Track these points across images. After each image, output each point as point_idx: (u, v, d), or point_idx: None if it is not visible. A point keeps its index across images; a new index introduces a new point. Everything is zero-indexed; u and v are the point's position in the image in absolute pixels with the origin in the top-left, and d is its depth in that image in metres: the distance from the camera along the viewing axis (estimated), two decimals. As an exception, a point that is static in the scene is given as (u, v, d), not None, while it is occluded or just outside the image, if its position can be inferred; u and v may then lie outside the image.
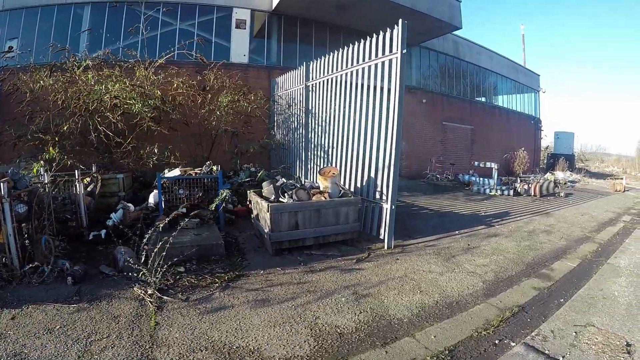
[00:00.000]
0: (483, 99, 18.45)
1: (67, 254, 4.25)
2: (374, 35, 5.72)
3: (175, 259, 3.81)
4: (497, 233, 6.70)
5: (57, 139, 6.67)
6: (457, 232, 6.67)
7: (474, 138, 17.30)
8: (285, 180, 6.31)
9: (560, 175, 17.58)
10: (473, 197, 11.18)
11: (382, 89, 5.77)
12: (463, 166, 16.26)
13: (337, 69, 6.78)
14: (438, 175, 14.35)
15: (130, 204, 5.88)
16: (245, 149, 8.72)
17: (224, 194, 5.84)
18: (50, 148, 6.43)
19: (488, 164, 12.83)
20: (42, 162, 5.81)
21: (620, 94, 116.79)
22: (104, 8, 10.66)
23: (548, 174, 17.26)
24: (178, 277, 3.86)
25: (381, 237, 5.64)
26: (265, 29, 12.10)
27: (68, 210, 5.13)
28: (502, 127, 19.04)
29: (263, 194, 5.54)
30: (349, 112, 6.46)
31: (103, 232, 4.66)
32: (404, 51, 5.18)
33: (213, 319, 3.06)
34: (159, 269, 3.48)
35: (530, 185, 12.27)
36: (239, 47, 11.76)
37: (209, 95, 8.38)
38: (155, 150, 7.14)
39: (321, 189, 5.69)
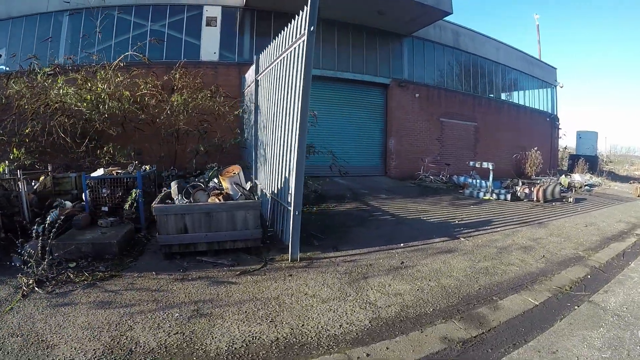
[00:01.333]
0: (491, 94, 16.48)
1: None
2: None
3: (72, 255, 4.22)
4: (454, 248, 5.16)
5: (24, 140, 7.12)
6: (402, 244, 5.21)
7: (477, 136, 15.35)
8: (198, 181, 5.95)
9: (577, 177, 15.48)
10: (461, 201, 9.51)
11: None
12: (465, 167, 14.49)
13: (271, 60, 5.94)
14: (431, 177, 12.71)
15: (67, 202, 6.04)
16: (197, 149, 8.33)
17: (134, 194, 5.57)
18: (14, 149, 6.73)
19: (485, 165, 11.10)
20: (6, 162, 6.18)
21: None
22: (81, 15, 10.80)
23: (562, 176, 15.19)
24: (62, 271, 3.89)
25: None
26: (236, 25, 11.41)
27: (15, 206, 5.44)
28: (511, 124, 16.90)
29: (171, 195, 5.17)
30: (274, 107, 5.77)
31: (41, 226, 4.40)
32: (312, 28, 4.16)
33: (50, 312, 3.06)
34: (43, 262, 3.67)
35: (532, 188, 10.45)
36: (210, 45, 11.18)
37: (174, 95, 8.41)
38: (111, 151, 7.29)
39: (223, 190, 5.02)
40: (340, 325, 2.85)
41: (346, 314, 3.04)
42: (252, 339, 2.67)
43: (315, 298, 3.36)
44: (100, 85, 7.44)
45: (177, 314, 3.02)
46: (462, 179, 12.13)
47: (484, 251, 5.09)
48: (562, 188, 13.24)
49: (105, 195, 5.93)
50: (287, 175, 4.85)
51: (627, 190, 14.11)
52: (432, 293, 3.55)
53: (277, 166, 5.32)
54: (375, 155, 13.11)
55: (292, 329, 2.80)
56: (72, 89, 7.18)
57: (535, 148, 15.89)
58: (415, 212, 7.72)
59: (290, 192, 4.59)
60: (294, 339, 2.67)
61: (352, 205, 8.06)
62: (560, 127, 20.40)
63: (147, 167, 6.79)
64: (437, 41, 14.30)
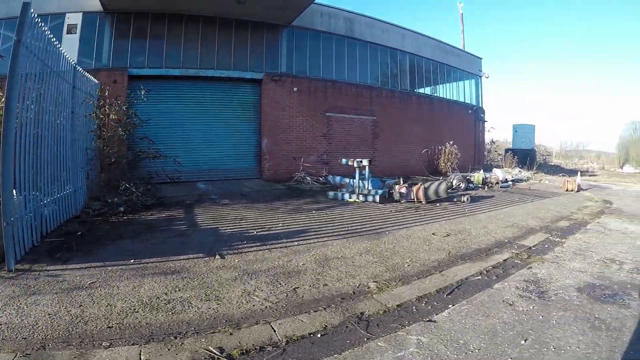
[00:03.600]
0: (395, 86, 15.10)
1: None
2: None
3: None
4: (187, 269, 3.82)
5: None
6: (132, 260, 3.98)
7: (376, 131, 13.90)
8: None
9: (498, 173, 14.36)
10: (316, 205, 8.03)
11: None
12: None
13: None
14: (308, 178, 11.27)
15: None
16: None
17: None
18: None
19: (362, 162, 9.55)
20: None
21: (605, 88, 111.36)
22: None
23: (480, 172, 14.00)
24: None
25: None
26: (96, 31, 10.57)
27: None
28: (423, 117, 15.60)
29: None
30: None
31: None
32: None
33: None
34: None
35: (413, 188, 9.02)
36: (68, 53, 9.86)
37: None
38: None
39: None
40: None
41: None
42: None
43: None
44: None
45: None
46: (338, 179, 10.66)
47: (224, 275, 3.65)
48: (469, 185, 12.02)
49: None
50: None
51: (557, 185, 13.39)
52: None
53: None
54: (249, 156, 11.78)
55: None
56: None
57: (451, 142, 14.69)
58: (234, 220, 6.31)
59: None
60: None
61: (167, 213, 6.67)
62: (486, 119, 19.31)
63: None
64: (325, 30, 12.98)
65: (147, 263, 3.98)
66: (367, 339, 2.53)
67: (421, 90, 16.55)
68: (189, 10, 10.73)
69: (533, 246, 5.08)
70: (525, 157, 22.60)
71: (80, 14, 10.41)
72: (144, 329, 2.56)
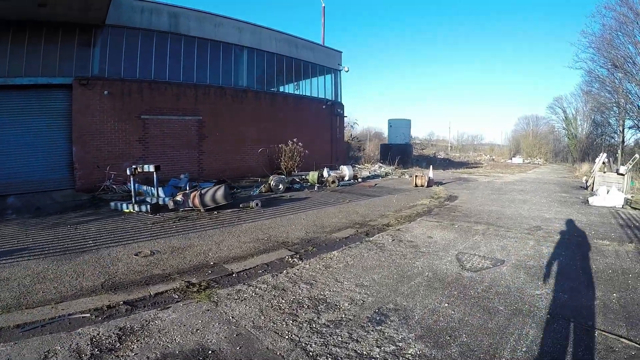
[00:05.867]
0: (227, 82, 14.76)
1: None
2: None
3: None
4: None
5: None
6: None
7: (203, 132, 13.69)
8: None
9: (345, 170, 14.55)
10: (87, 217, 7.91)
11: None
12: (188, 168, 13.20)
13: None
14: (114, 186, 11.26)
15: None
16: None
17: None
18: None
19: (146, 167, 8.98)
20: None
21: (501, 80, 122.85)
22: None
23: (324, 170, 14.01)
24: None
25: None
26: None
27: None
28: (263, 114, 15.78)
29: None
30: None
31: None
32: None
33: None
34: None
35: (189, 195, 8.58)
36: None
37: None
38: None
39: None
40: None
41: None
42: None
43: None
44: None
45: None
46: (136, 187, 10.36)
47: None
48: (294, 185, 12.03)
49: None
50: None
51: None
52: None
53: None
54: (62, 166, 11.43)
55: None
56: None
57: (295, 139, 14.53)
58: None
59: None
60: None
61: None
62: (345, 115, 19.62)
63: None
64: (146, 28, 12.63)
65: None
66: None
67: (275, 87, 16.29)
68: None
69: (237, 272, 4.41)
70: (401, 152, 23.62)
71: None
72: None
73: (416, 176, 13.14)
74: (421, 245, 5.66)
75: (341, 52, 19.30)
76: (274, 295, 3.73)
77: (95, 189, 11.01)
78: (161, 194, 9.57)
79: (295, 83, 17.57)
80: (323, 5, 20.97)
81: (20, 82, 10.62)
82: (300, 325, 3.12)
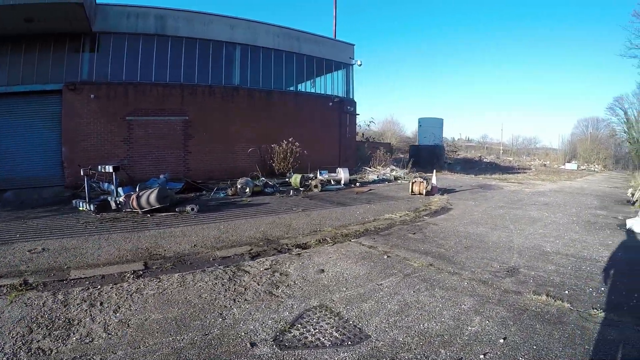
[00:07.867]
0: (218, 81, 14.46)
1: None
2: None
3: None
4: None
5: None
6: None
7: (189, 132, 13.51)
8: None
9: (341, 173, 13.46)
10: (45, 214, 8.22)
11: None
12: (172, 169, 13.12)
13: None
14: (94, 184, 11.33)
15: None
16: None
17: None
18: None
19: (107, 168, 8.96)
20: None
21: (558, 83, 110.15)
22: None
23: (317, 172, 13.11)
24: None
25: None
26: None
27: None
28: (257, 112, 15.12)
29: None
30: None
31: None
32: None
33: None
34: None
35: (130, 197, 8.29)
36: None
37: None
38: None
39: None
40: None
41: None
42: None
43: None
44: None
45: None
46: (106, 185, 10.77)
47: None
48: (267, 189, 11.16)
49: None
50: None
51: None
52: None
53: None
54: (55, 165, 12.37)
55: None
56: None
57: (291, 139, 13.67)
58: None
59: None
60: None
61: None
62: (356, 112, 18.00)
63: None
64: (133, 32, 13.00)
65: None
66: None
67: (273, 85, 15.56)
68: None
69: (75, 279, 4.10)
70: (430, 154, 21.37)
71: None
72: None
73: (413, 182, 11.31)
74: (292, 284, 4.03)
75: (353, 45, 17.96)
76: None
77: (80, 187, 11.37)
78: (121, 193, 9.43)
79: (299, 79, 16.67)
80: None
81: (18, 89, 11.75)
82: None
